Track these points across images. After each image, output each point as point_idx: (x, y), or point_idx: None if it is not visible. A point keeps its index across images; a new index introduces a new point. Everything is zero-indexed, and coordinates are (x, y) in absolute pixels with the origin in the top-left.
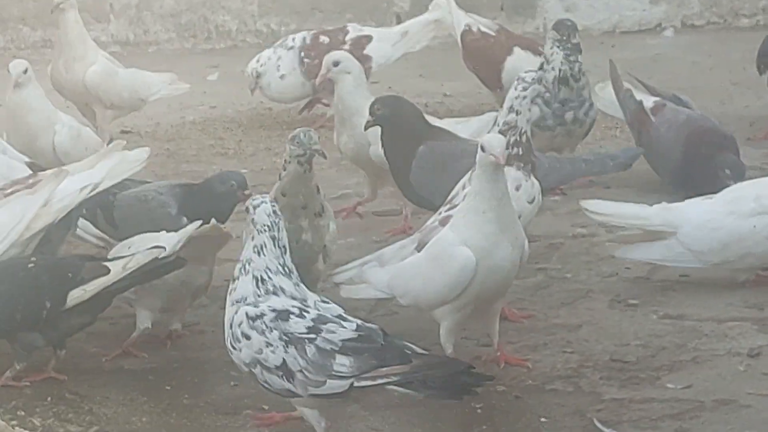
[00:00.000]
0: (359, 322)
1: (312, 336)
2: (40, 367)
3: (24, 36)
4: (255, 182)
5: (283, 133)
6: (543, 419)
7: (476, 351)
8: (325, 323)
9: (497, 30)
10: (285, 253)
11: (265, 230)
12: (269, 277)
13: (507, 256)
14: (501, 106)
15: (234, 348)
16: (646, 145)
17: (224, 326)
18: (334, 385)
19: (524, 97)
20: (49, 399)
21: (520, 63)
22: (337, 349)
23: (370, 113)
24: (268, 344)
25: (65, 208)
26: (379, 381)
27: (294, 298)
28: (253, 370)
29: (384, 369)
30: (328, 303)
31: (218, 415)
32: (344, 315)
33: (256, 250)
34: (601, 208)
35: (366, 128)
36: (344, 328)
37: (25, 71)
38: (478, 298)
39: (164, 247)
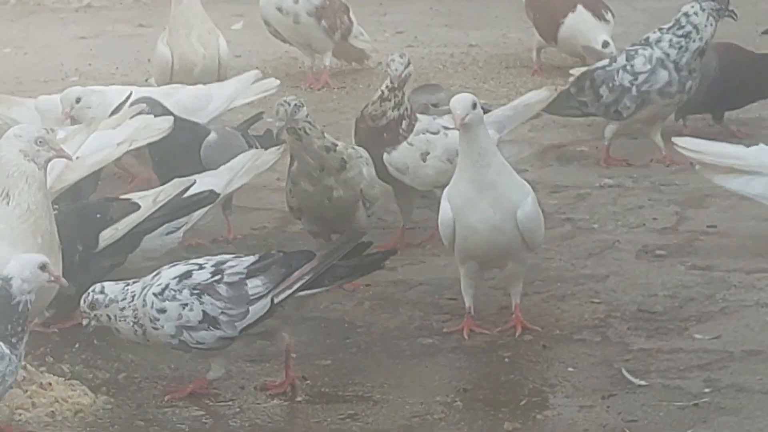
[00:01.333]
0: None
1: (218, 277)
2: (68, 314)
3: None
4: None
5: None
6: (570, 369)
7: (503, 300)
8: (224, 263)
9: None
10: None
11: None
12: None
13: (485, 219)
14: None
15: (156, 329)
16: None
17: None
18: (257, 309)
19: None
20: (77, 345)
21: (580, 23)
22: (244, 275)
23: None
24: (184, 305)
25: (100, 162)
26: (296, 286)
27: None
28: (181, 339)
29: (295, 273)
30: (215, 256)
31: (245, 362)
32: (238, 255)
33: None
34: (694, 145)
35: None
36: (243, 259)
37: None
38: (470, 255)
39: (194, 181)
